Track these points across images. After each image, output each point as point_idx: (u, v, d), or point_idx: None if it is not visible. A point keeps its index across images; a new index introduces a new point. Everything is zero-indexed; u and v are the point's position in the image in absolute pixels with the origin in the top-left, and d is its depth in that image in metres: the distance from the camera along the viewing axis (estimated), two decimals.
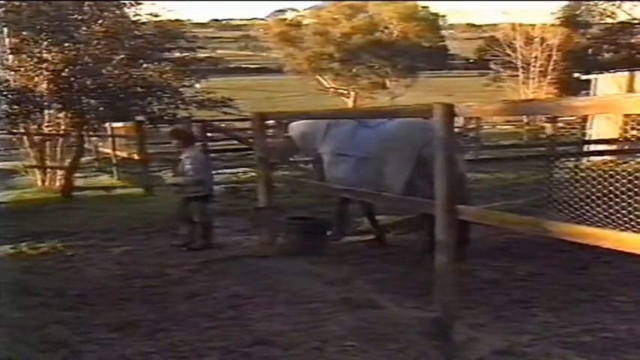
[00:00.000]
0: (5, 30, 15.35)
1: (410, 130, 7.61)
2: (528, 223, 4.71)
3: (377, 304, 5.94)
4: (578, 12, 42.23)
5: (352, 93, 49.59)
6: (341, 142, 8.29)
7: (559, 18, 42.06)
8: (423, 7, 54.34)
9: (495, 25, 47.66)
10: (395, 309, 5.82)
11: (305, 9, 61.04)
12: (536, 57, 39.05)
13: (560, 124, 14.21)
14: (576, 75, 25.32)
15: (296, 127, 8.99)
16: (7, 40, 15.44)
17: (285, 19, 58.79)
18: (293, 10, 63.54)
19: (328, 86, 50.51)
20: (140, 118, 16.35)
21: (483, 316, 5.73)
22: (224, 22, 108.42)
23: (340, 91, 50.36)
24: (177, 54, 18.49)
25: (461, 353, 4.88)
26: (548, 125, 13.10)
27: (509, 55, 39.99)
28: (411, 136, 7.55)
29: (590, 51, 41.08)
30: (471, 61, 61.79)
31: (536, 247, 7.79)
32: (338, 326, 5.33)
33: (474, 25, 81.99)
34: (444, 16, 61.61)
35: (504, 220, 5.05)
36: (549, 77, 39.02)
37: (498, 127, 34.71)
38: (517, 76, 40.24)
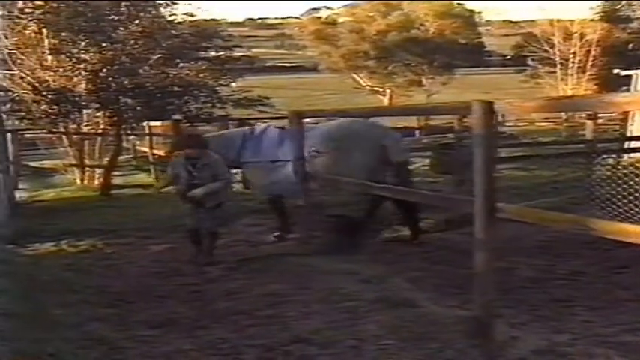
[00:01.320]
0: (44, 31, 15.54)
1: (370, 128, 8.91)
2: (569, 220, 4.65)
3: (414, 302, 5.90)
4: (618, 7, 41.65)
5: (388, 91, 49.44)
6: (271, 149, 8.99)
7: (598, 13, 41.52)
8: (459, 3, 53.96)
9: (533, 21, 47.20)
10: (433, 307, 5.78)
11: (340, 7, 61.05)
12: (574, 53, 38.58)
13: (601, 121, 14.02)
14: (616, 71, 24.96)
15: (212, 140, 9.00)
16: (46, 40, 15.63)
17: (320, 18, 58.82)
18: (328, 8, 63.62)
19: (364, 84, 50.40)
20: (177, 117, 16.47)
21: (523, 314, 5.66)
22: (259, 21, 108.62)
23: (376, 88, 50.22)
24: (213, 53, 18.58)
25: (501, 352, 4.83)
26: (588, 122, 12.94)
27: (547, 51, 39.55)
28: (373, 132, 8.83)
29: (630, 46, 40.46)
30: (508, 57, 61.23)
31: (576, 245, 7.68)
32: (375, 325, 5.31)
33: (510, 22, 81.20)
34: (480, 12, 61.15)
35: (544, 218, 4.98)
36: (588, 73, 38.52)
37: (537, 124, 34.39)
38: (555, 72, 39.77)
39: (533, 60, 41.87)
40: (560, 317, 5.59)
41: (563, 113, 27.98)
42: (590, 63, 38.35)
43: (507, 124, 28.19)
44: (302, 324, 5.45)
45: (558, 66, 39.41)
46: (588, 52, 38.46)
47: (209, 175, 7.88)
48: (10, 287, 5.98)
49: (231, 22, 60.07)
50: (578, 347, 4.84)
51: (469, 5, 64.93)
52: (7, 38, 15.53)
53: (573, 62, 38.80)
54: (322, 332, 5.22)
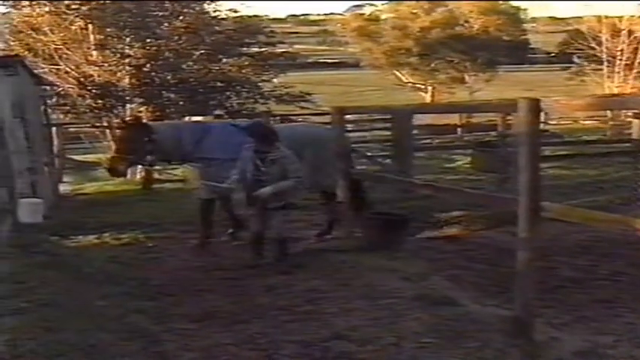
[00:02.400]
0: (90, 27, 15.75)
1: (332, 133, 8.77)
2: (615, 220, 4.58)
3: (454, 301, 5.86)
4: None
5: (430, 88, 49.11)
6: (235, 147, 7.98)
7: None
8: (504, 2, 53.36)
9: (580, 17, 46.43)
10: (473, 306, 5.73)
11: (383, 3, 60.76)
12: (622, 50, 37.88)
13: None
14: None
15: (162, 131, 8.65)
16: (91, 36, 15.84)
17: (363, 14, 58.58)
18: (371, 4, 63.31)
19: (406, 81, 50.10)
20: (219, 112, 16.57)
21: (564, 315, 5.60)
22: (301, 17, 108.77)
23: (418, 85, 49.92)
24: (256, 49, 18.66)
25: (541, 353, 4.78)
26: (635, 121, 12.70)
27: (593, 48, 38.90)
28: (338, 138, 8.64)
29: None
30: (553, 55, 60.38)
31: (619, 245, 7.55)
32: (415, 322, 5.28)
33: (556, 19, 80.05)
34: (525, 9, 60.28)
35: (590, 218, 4.91)
36: (635, 71, 37.80)
37: (581, 122, 33.87)
38: (601, 70, 39.10)
39: (579, 57, 41.23)
40: (602, 318, 5.51)
41: (608, 111, 27.49)
42: (638, 60, 37.64)
43: (550, 122, 27.80)
44: (341, 320, 5.44)
45: (605, 63, 38.74)
46: (636, 49, 37.71)
47: (278, 172, 7.16)
48: (54, 279, 6.07)
49: (274, 19, 60.08)
50: (620, 349, 4.78)
51: (514, 2, 64.27)
52: (53, 34, 15.77)
53: (620, 59, 38.07)
54: (361, 329, 5.20)
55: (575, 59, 41.90)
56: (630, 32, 37.65)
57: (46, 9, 16.01)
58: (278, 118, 16.38)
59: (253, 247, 7.47)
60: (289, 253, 7.47)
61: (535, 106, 4.88)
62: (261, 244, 7.43)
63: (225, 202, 8.61)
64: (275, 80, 19.02)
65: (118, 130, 8.46)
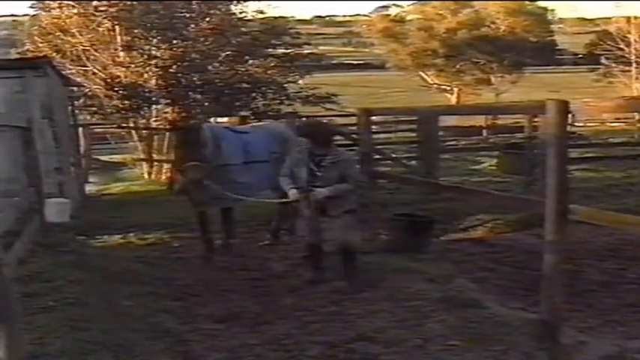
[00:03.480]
0: (118, 28, 15.86)
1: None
2: None
3: (480, 303, 5.83)
4: None
5: (455, 89, 48.91)
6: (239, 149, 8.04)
7: None
8: (532, 1, 53.01)
9: (608, 18, 45.98)
10: (498, 309, 5.70)
11: (409, 5, 60.64)
12: None
13: None
14: None
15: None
16: (119, 37, 15.95)
17: (389, 15, 58.49)
18: (397, 6, 63.22)
19: (431, 82, 49.95)
20: (244, 113, 16.59)
21: (592, 319, 5.55)
22: (327, 18, 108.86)
23: (443, 87, 49.75)
24: (282, 50, 18.67)
25: (568, 357, 4.74)
26: None
27: (621, 49, 38.53)
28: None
29: None
30: (580, 56, 59.90)
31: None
32: (440, 325, 5.25)
33: (584, 19, 79.43)
34: (553, 10, 59.93)
35: (618, 221, 4.86)
36: None
37: (608, 124, 33.58)
38: (630, 71, 38.74)
39: (607, 58, 40.85)
40: (630, 323, 5.46)
41: (636, 113, 27.22)
42: None
43: (577, 124, 27.58)
44: (366, 322, 5.43)
45: (633, 64, 38.36)
46: None
47: (336, 176, 6.44)
48: (81, 278, 6.11)
49: (300, 20, 60.24)
50: None
51: (542, 3, 63.82)
52: (81, 35, 15.91)
53: None
54: (387, 331, 5.19)
55: (603, 60, 41.46)
56: None
57: (75, 11, 16.14)
58: (304, 119, 16.38)
59: (310, 261, 6.77)
60: (358, 266, 6.65)
61: (564, 108, 4.84)
62: (318, 258, 6.72)
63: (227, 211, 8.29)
64: (301, 81, 19.04)
65: (177, 136, 7.80)
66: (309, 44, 21.41)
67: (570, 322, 5.20)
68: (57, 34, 16.30)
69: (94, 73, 16.01)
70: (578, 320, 5.39)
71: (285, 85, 17.71)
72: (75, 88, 15.46)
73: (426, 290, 6.17)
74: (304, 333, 5.27)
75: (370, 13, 73.50)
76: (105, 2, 15.82)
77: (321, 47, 41.93)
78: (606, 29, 42.25)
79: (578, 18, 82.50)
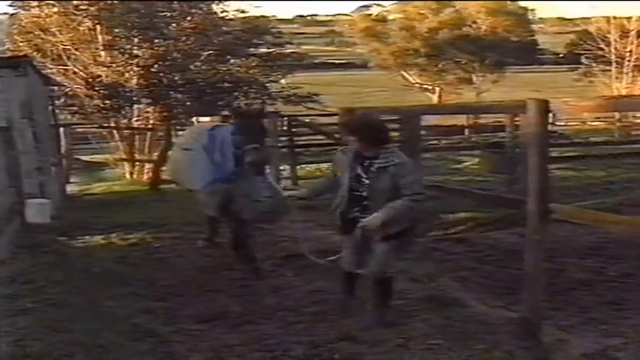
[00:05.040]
0: (99, 27, 15.78)
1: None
2: (625, 222, 4.56)
3: (462, 302, 5.84)
4: None
5: (437, 88, 49.10)
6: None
7: None
8: (512, 0, 53.30)
9: (588, 18, 46.29)
10: (481, 308, 5.72)
11: (391, 4, 60.82)
12: (631, 51, 37.76)
13: None
14: None
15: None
16: (100, 36, 15.87)
17: (371, 15, 58.61)
18: (378, 5, 63.40)
19: (413, 82, 50.13)
20: (226, 112, 16.57)
21: (573, 317, 5.58)
22: (309, 17, 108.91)
23: (425, 86, 49.93)
24: (264, 49, 18.69)
25: (549, 355, 4.76)
26: None
27: (602, 49, 38.80)
28: None
29: None
30: (561, 55, 60.30)
31: (628, 247, 7.52)
32: (423, 324, 5.27)
33: (564, 19, 79.96)
34: (533, 10, 60.21)
35: (599, 219, 4.89)
36: None
37: (588, 123, 33.81)
38: (610, 71, 39.01)
39: (587, 58, 41.12)
40: (610, 321, 5.49)
41: (616, 113, 27.44)
42: None
43: (558, 123, 27.78)
44: (349, 321, 5.43)
45: (613, 64, 38.63)
46: None
47: (388, 186, 5.12)
48: (62, 279, 6.07)
49: (281, 19, 60.18)
50: (629, 352, 4.75)
51: (522, 2, 64.13)
52: (61, 34, 15.81)
53: (629, 61, 37.97)
54: (370, 330, 5.19)
55: (584, 60, 41.78)
56: (639, 33, 37.54)
57: (55, 9, 16.06)
58: (286, 118, 16.38)
59: (342, 285, 5.77)
60: (392, 297, 5.57)
61: (544, 108, 4.86)
62: (352, 283, 5.71)
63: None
64: (283, 81, 19.07)
65: (245, 121, 6.84)
66: (291, 43, 21.44)
67: (552, 321, 5.22)
68: (37, 33, 16.22)
69: (74, 73, 15.93)
70: (560, 318, 5.42)
71: (267, 85, 17.76)
72: (55, 88, 15.38)
73: (409, 289, 6.17)
74: (287, 333, 5.27)
75: (352, 12, 73.65)
76: (85, 1, 15.74)
77: (303, 46, 41.85)
78: (586, 29, 42.54)
79: (559, 18, 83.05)
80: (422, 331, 5.11)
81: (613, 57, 38.38)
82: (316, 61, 60.11)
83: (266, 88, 17.75)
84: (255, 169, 6.66)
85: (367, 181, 5.19)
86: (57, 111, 15.63)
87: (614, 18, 38.81)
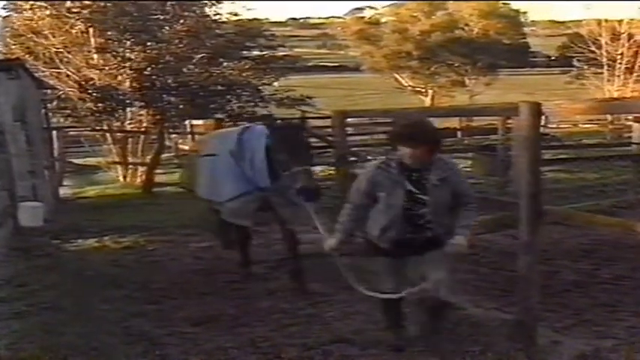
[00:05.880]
0: (91, 30, 15.75)
1: None
2: (618, 224, 4.58)
3: (456, 304, 5.85)
4: None
5: (430, 91, 49.16)
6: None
7: None
8: (504, 3, 53.44)
9: (579, 21, 46.43)
10: (475, 310, 5.72)
11: (383, 7, 60.90)
12: (622, 54, 37.89)
13: None
14: None
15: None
16: (92, 39, 15.84)
17: (363, 17, 58.66)
18: (371, 8, 63.43)
19: (406, 84, 50.18)
20: (219, 115, 16.57)
21: (567, 319, 5.59)
22: (302, 20, 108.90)
23: (418, 89, 49.98)
24: (257, 52, 18.68)
25: (543, 357, 4.77)
26: (635, 124, 12.72)
27: (593, 52, 38.92)
28: None
29: None
30: (553, 58, 60.48)
31: (621, 249, 7.53)
32: (417, 326, 5.27)
33: (556, 22, 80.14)
34: (525, 12, 60.39)
35: (593, 221, 4.90)
36: (636, 74, 37.83)
37: (580, 125, 33.90)
38: (601, 73, 39.13)
39: (579, 61, 41.24)
40: (604, 322, 5.51)
41: (608, 115, 27.53)
42: (638, 64, 37.65)
43: (550, 125, 27.85)
44: (343, 324, 5.45)
45: (605, 67, 38.77)
46: (636, 52, 37.73)
47: (447, 198, 4.54)
48: (56, 282, 6.07)
49: (274, 22, 60.17)
50: (622, 353, 4.76)
51: (514, 5, 64.31)
52: (54, 37, 15.78)
53: (620, 63, 38.10)
54: (363, 333, 5.21)
55: (576, 63, 41.87)
56: (630, 36, 37.70)
57: (47, 12, 16.00)
58: (278, 121, 16.37)
59: (388, 318, 5.07)
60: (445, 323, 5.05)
61: (536, 110, 4.88)
62: (399, 312, 5.04)
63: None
64: (275, 84, 19.04)
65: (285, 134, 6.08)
66: (283, 46, 21.41)
67: (545, 322, 5.23)
68: (29, 35, 16.15)
69: (67, 76, 15.88)
70: (554, 320, 5.43)
71: (260, 88, 17.73)
72: (48, 91, 15.35)
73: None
74: (281, 335, 5.27)
75: (345, 15, 73.81)
76: (78, 4, 15.70)
77: (296, 49, 41.85)
78: (577, 32, 42.65)
79: (550, 20, 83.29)
80: (415, 334, 5.11)
81: (604, 59, 38.50)
82: (309, 63, 60.16)
83: (259, 91, 17.72)
84: (307, 197, 5.87)
85: (424, 197, 4.48)
86: (50, 114, 15.61)
87: (606, 21, 38.95)
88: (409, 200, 4.48)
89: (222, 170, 6.61)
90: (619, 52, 37.99)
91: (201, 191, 7.15)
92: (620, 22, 38.58)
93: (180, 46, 16.28)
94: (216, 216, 7.18)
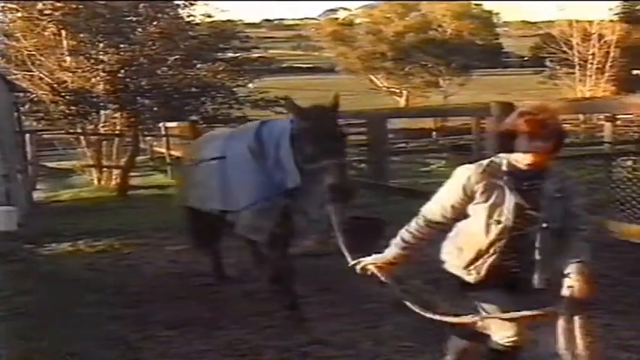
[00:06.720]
0: (63, 32, 15.64)
1: None
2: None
3: (434, 304, 5.86)
4: (637, 7, 41.30)
5: (404, 92, 49.36)
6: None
7: (618, 14, 41.18)
8: (477, 4, 53.82)
9: (551, 21, 46.86)
10: (452, 309, 5.74)
11: (357, 8, 61.06)
12: (593, 54, 38.31)
13: (619, 122, 13.90)
14: (635, 72, 24.76)
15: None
16: (65, 42, 15.73)
17: (337, 19, 58.81)
18: (345, 9, 63.58)
19: (380, 85, 50.35)
20: (194, 117, 16.54)
21: None
22: (276, 22, 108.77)
23: (392, 90, 50.17)
24: (231, 54, 18.68)
25: (519, 354, 4.80)
26: (607, 124, 12.83)
27: (565, 52, 39.30)
28: None
29: None
30: (526, 58, 60.97)
31: (596, 247, 7.58)
32: (394, 327, 5.29)
33: (528, 23, 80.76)
34: (497, 13, 60.86)
35: None
36: (607, 74, 38.26)
37: None
38: (573, 73, 39.54)
39: (551, 61, 41.63)
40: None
41: (581, 115, 27.80)
42: (609, 64, 38.09)
43: None
44: (321, 325, 5.44)
45: (577, 67, 39.16)
46: (607, 53, 38.19)
47: (561, 213, 3.36)
48: (30, 287, 6.01)
49: (248, 24, 60.12)
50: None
51: (487, 6, 64.76)
52: (25, 39, 15.64)
53: (592, 63, 38.51)
54: (341, 334, 5.21)
55: (548, 63, 42.28)
56: (601, 36, 38.14)
57: (19, 14, 15.89)
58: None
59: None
60: None
61: (508, 110, 4.91)
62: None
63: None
64: (250, 85, 19.06)
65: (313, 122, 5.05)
66: (258, 48, 21.44)
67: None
68: (1, 38, 16.01)
69: (40, 79, 15.77)
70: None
71: (235, 89, 17.76)
72: (20, 94, 15.21)
73: (380, 293, 6.18)
74: (259, 338, 5.26)
75: (319, 16, 73.88)
76: (49, 5, 15.58)
77: (271, 51, 41.91)
78: (549, 32, 43.03)
79: (522, 21, 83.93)
80: (393, 334, 5.14)
81: (576, 60, 38.91)
82: (283, 65, 60.14)
83: (233, 92, 17.73)
84: (337, 197, 4.94)
85: (536, 214, 3.31)
86: (22, 117, 15.48)
87: (576, 22, 39.35)
88: (517, 217, 3.30)
89: (236, 173, 5.62)
90: (590, 52, 38.41)
91: (209, 204, 6.04)
92: (590, 22, 39.01)
93: (154, 48, 16.24)
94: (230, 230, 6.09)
